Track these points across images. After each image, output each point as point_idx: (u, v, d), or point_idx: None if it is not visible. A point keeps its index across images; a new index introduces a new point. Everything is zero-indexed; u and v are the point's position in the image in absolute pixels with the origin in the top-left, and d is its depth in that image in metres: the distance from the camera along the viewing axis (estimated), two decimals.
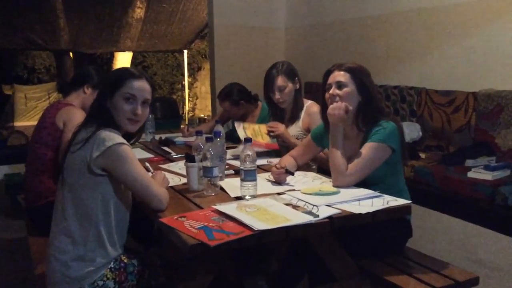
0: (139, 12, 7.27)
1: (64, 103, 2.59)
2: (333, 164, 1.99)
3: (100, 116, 1.77)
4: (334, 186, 1.97)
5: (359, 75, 2.05)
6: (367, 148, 1.96)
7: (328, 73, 2.10)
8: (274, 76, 2.76)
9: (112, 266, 1.72)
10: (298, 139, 2.74)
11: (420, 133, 3.40)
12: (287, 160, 2.28)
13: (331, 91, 2.05)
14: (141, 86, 1.81)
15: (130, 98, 1.78)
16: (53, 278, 1.71)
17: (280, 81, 2.73)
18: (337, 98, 2.03)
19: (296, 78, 2.79)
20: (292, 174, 2.13)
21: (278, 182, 2.10)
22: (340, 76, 2.04)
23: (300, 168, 2.35)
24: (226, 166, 2.35)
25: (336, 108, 2.00)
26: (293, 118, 2.79)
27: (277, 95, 2.76)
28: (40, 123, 2.59)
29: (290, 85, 2.75)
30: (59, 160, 2.40)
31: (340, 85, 2.04)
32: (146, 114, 1.84)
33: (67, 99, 2.64)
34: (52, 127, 2.49)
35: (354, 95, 2.04)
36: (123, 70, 1.95)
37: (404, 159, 2.08)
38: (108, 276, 1.71)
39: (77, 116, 2.43)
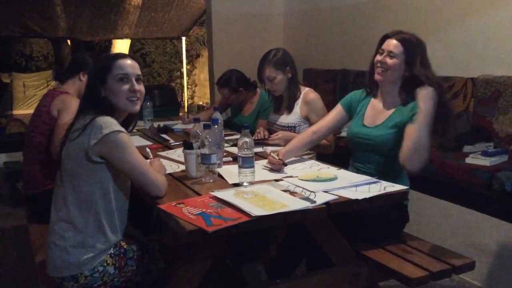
0: None
1: (60, 91, 2.58)
2: (419, 144, 1.88)
3: (97, 104, 1.77)
4: (409, 168, 1.91)
5: (412, 48, 2.06)
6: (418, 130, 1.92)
7: (385, 37, 2.12)
8: (262, 66, 2.76)
9: (112, 252, 1.74)
10: (296, 127, 2.74)
11: None
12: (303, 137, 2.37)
13: (381, 58, 2.08)
14: (130, 63, 1.82)
15: (124, 78, 1.79)
16: (53, 265, 1.72)
17: (268, 72, 2.73)
18: (381, 65, 2.07)
19: (288, 68, 2.74)
20: (285, 165, 2.13)
21: (275, 169, 2.10)
22: (393, 45, 2.06)
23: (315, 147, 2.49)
24: (224, 153, 2.35)
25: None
26: (290, 106, 2.79)
27: (267, 85, 2.78)
28: (36, 112, 2.58)
29: (279, 75, 2.73)
30: (51, 148, 2.40)
31: (390, 55, 2.06)
32: (144, 91, 1.85)
33: (63, 87, 2.63)
34: (47, 116, 2.49)
35: (401, 68, 2.07)
36: (105, 56, 1.96)
37: None
38: (108, 261, 1.72)
39: (72, 104, 2.41)
